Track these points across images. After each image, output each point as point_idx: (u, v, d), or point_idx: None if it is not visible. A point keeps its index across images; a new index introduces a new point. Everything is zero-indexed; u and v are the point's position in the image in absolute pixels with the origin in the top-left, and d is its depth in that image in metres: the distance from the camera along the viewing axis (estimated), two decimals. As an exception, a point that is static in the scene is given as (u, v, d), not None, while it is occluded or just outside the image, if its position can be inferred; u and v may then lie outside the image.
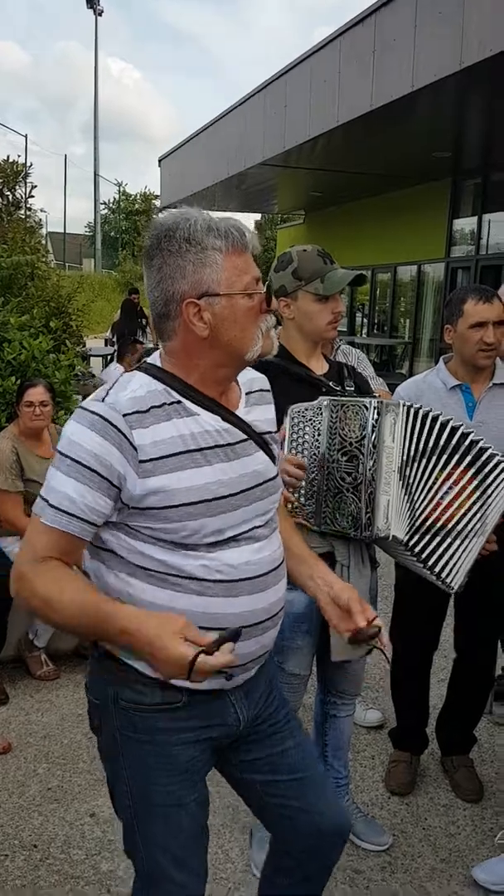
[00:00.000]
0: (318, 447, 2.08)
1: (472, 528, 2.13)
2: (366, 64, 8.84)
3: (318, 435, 2.08)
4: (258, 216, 32.01)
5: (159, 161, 18.34)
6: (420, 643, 2.77)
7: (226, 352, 1.43)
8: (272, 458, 1.57)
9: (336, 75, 9.59)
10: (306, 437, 2.09)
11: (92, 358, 12.97)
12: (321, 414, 2.08)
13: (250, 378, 1.62)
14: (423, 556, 2.11)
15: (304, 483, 2.08)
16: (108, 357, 13.38)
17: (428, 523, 2.10)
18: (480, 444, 2.13)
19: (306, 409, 2.09)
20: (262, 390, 1.63)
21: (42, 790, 2.74)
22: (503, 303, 2.53)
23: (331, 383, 2.20)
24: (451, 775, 2.80)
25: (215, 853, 2.43)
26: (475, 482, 2.11)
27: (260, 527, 1.51)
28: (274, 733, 1.63)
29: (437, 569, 2.12)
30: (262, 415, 1.59)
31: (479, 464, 2.13)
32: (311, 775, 1.65)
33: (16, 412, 3.70)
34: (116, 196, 52.15)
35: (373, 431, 2.02)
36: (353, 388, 2.24)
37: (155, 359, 1.49)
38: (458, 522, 2.11)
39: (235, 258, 1.40)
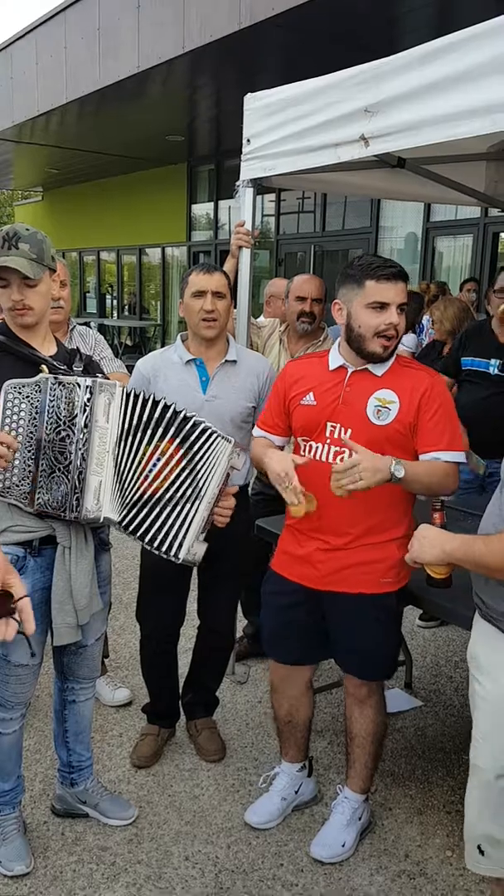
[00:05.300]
0: (36, 425, 2.03)
1: (182, 495, 2.14)
2: (91, 41, 8.71)
3: (36, 413, 2.02)
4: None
5: None
6: (165, 618, 2.80)
7: None
8: None
9: (62, 51, 9.34)
10: (23, 413, 2.02)
11: None
12: (39, 391, 2.03)
13: None
14: (138, 533, 2.13)
15: (17, 462, 2.03)
16: None
17: (136, 498, 2.12)
18: (184, 414, 2.15)
19: (24, 386, 2.03)
20: None
21: None
22: (228, 280, 2.66)
23: (55, 363, 2.15)
24: (195, 739, 2.91)
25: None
26: (182, 450, 2.13)
27: None
28: None
29: (155, 543, 2.15)
30: None
31: (184, 433, 2.15)
32: None
33: None
34: None
35: (84, 411, 2.01)
36: (81, 370, 2.20)
37: None
38: (165, 491, 2.13)
39: None
